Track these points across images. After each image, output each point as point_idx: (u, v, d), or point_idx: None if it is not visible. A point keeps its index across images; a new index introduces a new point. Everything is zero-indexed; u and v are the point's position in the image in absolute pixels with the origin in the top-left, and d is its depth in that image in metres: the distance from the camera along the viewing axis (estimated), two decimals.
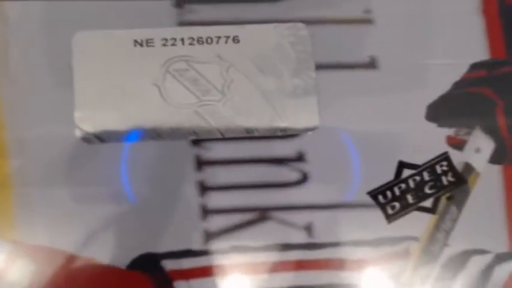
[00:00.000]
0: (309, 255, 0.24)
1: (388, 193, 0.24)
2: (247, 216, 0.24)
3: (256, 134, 0.24)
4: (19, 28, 0.24)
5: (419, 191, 0.24)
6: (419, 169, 0.24)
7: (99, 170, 0.23)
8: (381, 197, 0.24)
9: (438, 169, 0.25)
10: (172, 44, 0.24)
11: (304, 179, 0.24)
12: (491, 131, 0.25)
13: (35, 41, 0.24)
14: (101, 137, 0.23)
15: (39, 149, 0.23)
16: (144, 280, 0.23)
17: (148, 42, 0.24)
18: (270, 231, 0.24)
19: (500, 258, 0.24)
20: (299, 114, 0.24)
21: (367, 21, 0.25)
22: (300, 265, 0.24)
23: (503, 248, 0.24)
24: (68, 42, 0.23)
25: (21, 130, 0.23)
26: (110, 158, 0.23)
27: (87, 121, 0.23)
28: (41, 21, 0.24)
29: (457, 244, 0.24)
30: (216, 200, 0.24)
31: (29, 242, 0.23)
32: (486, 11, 0.26)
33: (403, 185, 0.24)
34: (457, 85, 0.25)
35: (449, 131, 0.25)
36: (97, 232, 0.23)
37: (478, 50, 0.26)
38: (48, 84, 0.24)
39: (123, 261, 0.23)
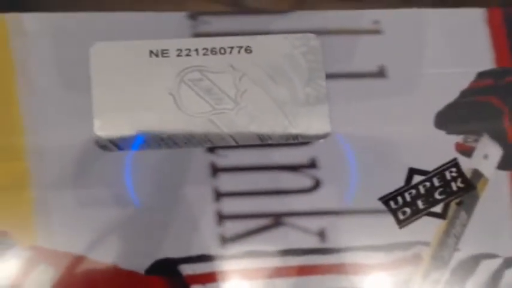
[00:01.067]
0: (321, 260, 0.24)
1: (399, 199, 0.25)
2: (261, 222, 0.24)
3: (269, 141, 0.24)
4: (38, 39, 0.24)
5: (430, 196, 0.25)
6: (429, 175, 0.25)
7: (116, 177, 0.24)
8: (392, 203, 0.25)
9: (448, 175, 0.25)
10: (187, 55, 0.24)
11: (316, 185, 0.25)
12: (499, 138, 0.25)
13: (53, 52, 0.24)
14: (118, 144, 0.24)
15: (56, 154, 0.24)
16: (162, 285, 0.23)
17: (164, 53, 0.24)
18: (284, 237, 0.24)
19: (510, 262, 0.25)
20: (311, 122, 0.24)
21: (376, 32, 0.26)
22: (313, 270, 0.24)
23: None
24: (86, 52, 0.24)
25: (40, 136, 0.24)
26: (127, 165, 0.24)
27: (105, 128, 0.24)
28: (58, 33, 0.24)
29: (466, 249, 0.25)
30: (231, 205, 0.24)
31: (47, 246, 0.23)
32: (491, 21, 0.26)
33: (413, 191, 0.25)
34: (464, 93, 0.26)
35: (458, 138, 0.25)
36: (114, 237, 0.23)
37: (485, 59, 0.26)
38: (66, 92, 0.24)
39: (141, 266, 0.23)
